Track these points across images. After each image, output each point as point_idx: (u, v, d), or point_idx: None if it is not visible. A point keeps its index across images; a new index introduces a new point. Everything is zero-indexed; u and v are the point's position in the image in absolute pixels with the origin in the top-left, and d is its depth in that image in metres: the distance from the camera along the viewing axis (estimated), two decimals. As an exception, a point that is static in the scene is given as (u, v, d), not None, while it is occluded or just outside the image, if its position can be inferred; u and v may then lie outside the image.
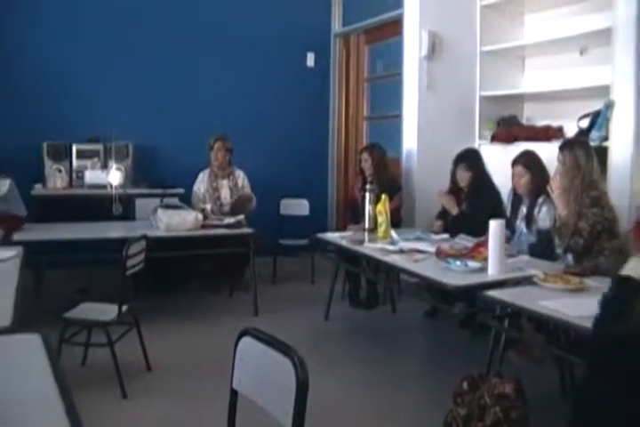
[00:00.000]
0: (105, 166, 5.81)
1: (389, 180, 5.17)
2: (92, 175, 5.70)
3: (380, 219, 4.27)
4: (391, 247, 3.95)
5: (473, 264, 3.37)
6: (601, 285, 2.94)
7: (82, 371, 3.63)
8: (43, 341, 1.88)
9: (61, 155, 5.79)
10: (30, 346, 1.85)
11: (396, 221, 4.77)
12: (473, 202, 4.55)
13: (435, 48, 5.41)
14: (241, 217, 4.97)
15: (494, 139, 5.25)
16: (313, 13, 7.00)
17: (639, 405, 2.02)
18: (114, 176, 5.48)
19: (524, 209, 4.10)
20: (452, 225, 4.59)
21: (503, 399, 2.59)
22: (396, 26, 5.89)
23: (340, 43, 7.13)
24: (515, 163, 4.09)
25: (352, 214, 5.48)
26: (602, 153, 4.04)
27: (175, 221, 4.60)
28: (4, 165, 4.54)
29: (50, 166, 5.73)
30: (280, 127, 6.77)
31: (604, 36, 4.28)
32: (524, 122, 5.38)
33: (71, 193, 5.70)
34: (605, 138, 4.27)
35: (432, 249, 3.79)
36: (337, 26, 7.11)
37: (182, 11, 6.36)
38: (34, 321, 2.47)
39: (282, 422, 1.54)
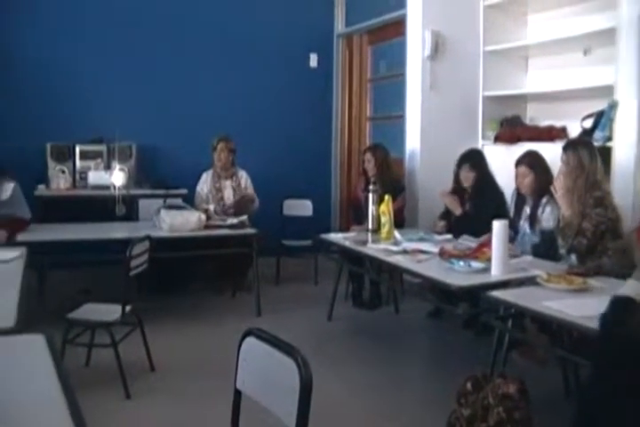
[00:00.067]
0: (108, 167, 5.82)
1: (392, 180, 5.17)
2: (96, 176, 5.70)
3: (383, 219, 4.27)
4: (394, 248, 3.95)
5: (476, 265, 3.36)
6: (604, 285, 2.95)
7: (85, 371, 3.63)
8: (47, 341, 1.88)
9: (65, 156, 5.80)
10: (34, 347, 1.85)
11: (400, 222, 4.76)
12: (476, 202, 4.55)
13: (438, 48, 5.40)
14: (244, 218, 4.97)
15: (497, 139, 5.24)
16: (315, 14, 7.00)
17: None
18: (117, 177, 5.48)
19: (527, 209, 4.10)
20: (455, 225, 4.58)
21: (507, 400, 2.59)
22: (398, 26, 5.89)
23: (342, 43, 7.13)
24: (518, 163, 4.09)
25: (355, 215, 5.48)
26: (605, 153, 4.03)
27: (178, 222, 4.60)
28: (8, 167, 4.54)
29: (53, 167, 5.74)
30: (283, 128, 6.77)
31: (608, 36, 4.28)
32: (528, 122, 5.37)
33: (74, 194, 5.71)
34: (609, 138, 4.26)
35: (435, 250, 3.79)
36: (340, 26, 7.11)
37: (185, 11, 6.37)
38: (37, 322, 2.47)
39: (286, 423, 1.53)
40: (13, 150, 5.39)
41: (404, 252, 3.83)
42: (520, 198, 4.19)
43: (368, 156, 5.26)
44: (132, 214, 5.37)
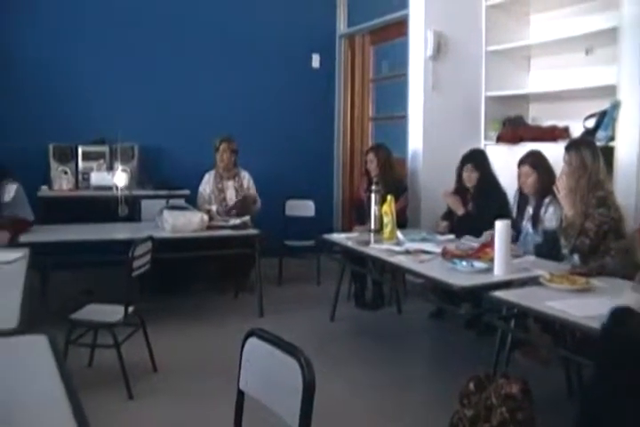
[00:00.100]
0: (110, 168, 5.83)
1: (395, 180, 5.17)
2: (98, 177, 5.71)
3: (385, 220, 4.27)
4: (397, 248, 3.94)
5: (479, 265, 3.36)
6: (607, 285, 2.95)
7: (88, 372, 3.64)
8: (49, 342, 1.88)
9: (67, 157, 5.81)
10: (37, 347, 1.86)
11: (402, 222, 4.76)
12: (479, 202, 4.55)
13: (440, 48, 5.40)
14: (246, 218, 4.98)
15: (500, 139, 5.24)
16: (317, 14, 7.00)
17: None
18: (119, 178, 5.48)
19: (530, 209, 4.09)
20: (457, 226, 4.58)
21: (510, 400, 2.58)
22: (401, 26, 5.89)
23: (345, 44, 7.13)
24: (521, 163, 4.08)
25: (358, 215, 5.47)
26: (608, 153, 4.03)
27: (181, 223, 4.60)
28: (11, 168, 4.55)
29: (56, 168, 5.75)
30: (285, 128, 6.77)
31: (610, 35, 4.27)
32: (530, 122, 5.36)
33: (77, 195, 5.72)
34: (612, 138, 4.25)
35: (438, 250, 3.79)
36: (342, 27, 7.11)
37: (186, 12, 6.37)
38: (40, 322, 2.48)
39: (289, 423, 1.53)
40: (16, 151, 5.39)
41: (407, 252, 3.83)
42: (522, 198, 4.18)
43: (370, 156, 5.26)
44: (134, 215, 5.37)
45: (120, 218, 5.18)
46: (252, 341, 1.73)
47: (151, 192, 5.72)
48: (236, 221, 4.91)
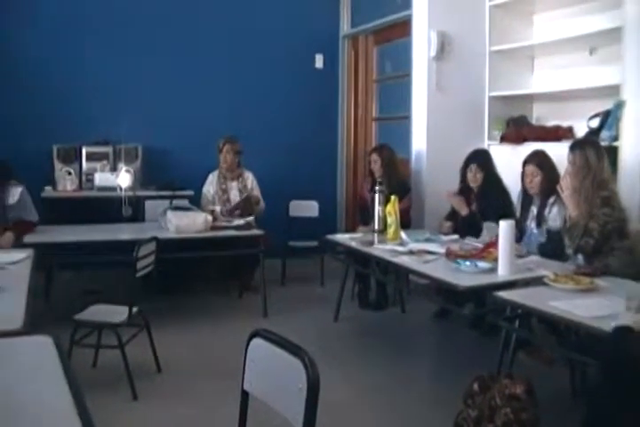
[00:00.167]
0: (114, 169, 5.84)
1: (399, 181, 5.17)
2: (102, 177, 5.72)
3: (389, 220, 4.27)
4: (401, 248, 3.94)
5: (483, 265, 3.36)
6: (611, 285, 2.94)
7: (92, 373, 3.64)
8: (54, 342, 1.88)
9: (71, 157, 5.83)
10: (42, 348, 1.86)
11: (406, 223, 4.76)
12: (483, 202, 4.54)
13: (443, 48, 5.39)
14: (250, 219, 4.98)
15: (504, 139, 5.23)
16: (321, 15, 7.00)
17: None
18: (123, 178, 5.49)
19: (534, 209, 4.08)
20: (461, 226, 4.57)
21: (514, 400, 2.58)
22: (404, 27, 5.88)
23: (348, 44, 7.13)
24: (527, 162, 4.07)
25: (361, 216, 5.47)
26: (612, 153, 4.02)
27: (184, 223, 4.60)
28: (15, 169, 4.55)
29: (60, 169, 5.76)
30: (289, 129, 6.77)
31: (614, 35, 4.26)
32: (534, 122, 5.36)
33: (81, 195, 5.73)
34: (616, 138, 4.24)
35: (442, 250, 3.79)
36: (345, 27, 7.11)
37: (190, 13, 6.37)
38: (44, 323, 2.49)
39: (293, 423, 1.53)
40: (20, 152, 5.40)
41: (411, 252, 3.83)
42: (527, 198, 4.17)
43: (374, 156, 5.26)
44: (138, 216, 5.38)
45: (124, 219, 5.20)
46: (257, 341, 1.73)
47: (155, 193, 5.73)
48: (240, 221, 4.92)
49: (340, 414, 3.12)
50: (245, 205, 5.36)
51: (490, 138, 5.38)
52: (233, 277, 5.50)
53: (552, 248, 3.79)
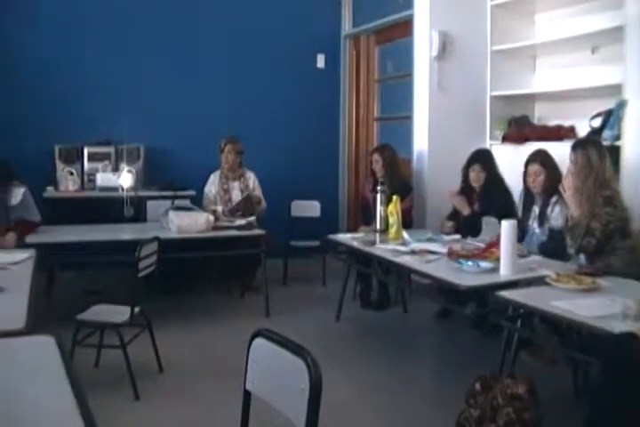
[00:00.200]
0: (116, 169, 5.84)
1: (400, 181, 5.17)
2: (104, 178, 5.72)
3: (391, 220, 4.26)
4: (402, 248, 3.94)
5: (485, 265, 3.36)
6: (614, 285, 2.94)
7: (94, 372, 3.64)
8: (56, 342, 1.88)
9: (73, 158, 5.83)
10: (44, 348, 1.86)
11: (408, 222, 4.75)
12: (485, 202, 4.54)
13: (445, 48, 5.39)
14: (252, 219, 4.98)
15: (505, 139, 5.23)
16: (322, 15, 7.00)
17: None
18: (125, 178, 5.49)
19: (536, 209, 4.08)
20: (463, 226, 4.57)
21: (516, 400, 2.58)
22: (406, 26, 5.88)
23: (350, 44, 7.13)
24: (531, 161, 4.05)
25: (363, 216, 5.47)
26: (614, 152, 4.02)
27: (186, 223, 4.61)
28: (17, 169, 4.55)
29: (61, 169, 5.77)
30: (291, 129, 6.77)
31: (616, 34, 4.25)
32: (536, 122, 5.35)
33: (83, 195, 5.74)
34: (618, 137, 4.24)
35: (443, 250, 3.78)
36: (347, 27, 7.11)
37: (191, 13, 6.37)
38: (46, 323, 2.49)
39: (295, 423, 1.53)
40: (22, 152, 5.41)
41: (413, 252, 3.82)
42: (529, 198, 4.16)
43: (376, 156, 5.26)
44: (140, 216, 5.38)
45: (126, 219, 5.20)
46: (259, 341, 1.73)
47: (157, 193, 5.73)
48: (242, 221, 4.92)
49: (341, 414, 3.12)
50: (246, 205, 5.36)
51: (491, 138, 5.37)
52: (235, 277, 5.50)
53: (553, 247, 3.78)
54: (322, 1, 7.00)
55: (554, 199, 3.94)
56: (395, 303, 5.14)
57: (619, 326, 2.30)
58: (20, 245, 4.05)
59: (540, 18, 5.37)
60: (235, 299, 5.34)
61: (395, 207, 4.26)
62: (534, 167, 4.02)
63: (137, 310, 3.47)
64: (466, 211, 4.61)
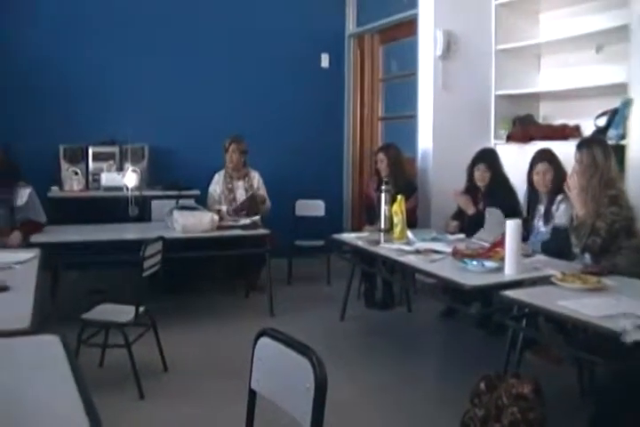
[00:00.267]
0: (121, 168, 5.85)
1: (405, 180, 5.16)
2: (108, 177, 5.73)
3: (395, 219, 4.26)
4: (407, 248, 3.94)
5: (489, 264, 3.35)
6: (620, 284, 2.93)
7: (99, 372, 3.65)
8: (62, 342, 1.89)
9: (77, 157, 5.84)
10: (50, 347, 1.86)
11: (412, 222, 4.75)
12: (490, 202, 4.53)
13: (449, 47, 5.38)
14: (256, 218, 4.98)
15: (510, 138, 5.22)
16: (327, 14, 7.00)
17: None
18: (130, 178, 5.50)
19: (541, 208, 4.07)
20: (468, 225, 4.57)
21: (521, 400, 2.58)
22: (410, 26, 5.87)
23: (354, 43, 7.13)
24: (539, 160, 4.03)
25: (368, 215, 5.47)
26: (620, 151, 4.01)
27: (191, 223, 4.61)
28: (22, 169, 4.56)
29: (66, 169, 5.78)
30: (295, 128, 6.77)
31: (620, 33, 4.25)
32: (541, 121, 5.34)
33: (87, 195, 5.75)
34: (623, 136, 4.23)
35: (448, 249, 3.78)
36: (351, 26, 7.10)
37: (196, 12, 6.38)
38: (51, 322, 2.49)
39: (300, 423, 1.53)
40: (27, 152, 5.39)
41: (417, 252, 3.82)
42: (534, 197, 4.15)
43: (380, 155, 5.25)
44: (144, 215, 5.39)
45: (130, 218, 5.21)
46: (264, 340, 1.73)
47: (161, 192, 5.74)
48: (246, 220, 4.92)
49: (346, 414, 3.12)
50: (251, 204, 5.37)
51: (496, 137, 5.37)
52: (239, 276, 5.50)
53: (556, 245, 3.77)
54: (326, 0, 7.00)
55: (559, 198, 3.93)
56: (399, 303, 5.13)
57: (631, 336, 2.26)
58: (25, 244, 4.06)
59: (545, 17, 5.36)
60: (239, 298, 5.34)
61: (399, 207, 4.26)
62: (542, 166, 4.00)
63: (141, 309, 3.48)
64: (470, 210, 4.61)
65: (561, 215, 3.89)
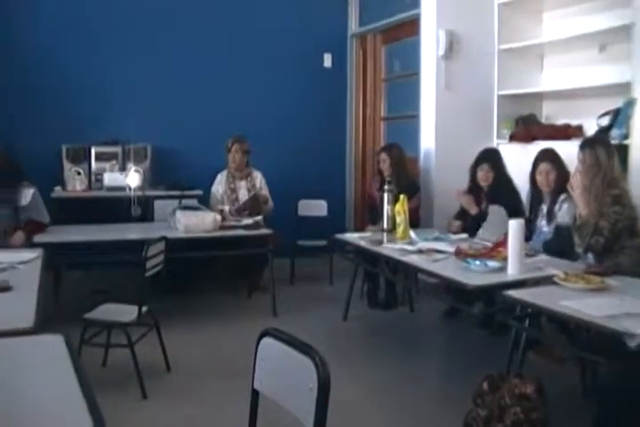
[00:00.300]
0: (123, 168, 5.86)
1: (408, 180, 5.16)
2: (111, 177, 5.74)
3: (398, 219, 4.26)
4: (410, 247, 3.93)
5: (492, 264, 3.35)
6: (623, 284, 2.92)
7: (102, 372, 3.65)
8: (65, 341, 1.89)
9: (80, 157, 5.85)
10: (53, 347, 1.87)
11: (415, 222, 4.75)
12: (493, 202, 4.53)
13: (452, 47, 5.38)
14: (259, 218, 4.98)
15: (513, 138, 5.21)
16: (329, 14, 7.00)
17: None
18: (132, 178, 5.51)
19: (544, 207, 4.07)
20: (470, 225, 4.56)
21: (524, 400, 2.58)
22: (412, 25, 5.87)
23: (356, 43, 7.13)
24: (542, 160, 4.03)
25: (370, 215, 5.47)
26: (623, 151, 4.00)
27: (193, 223, 4.61)
28: (25, 169, 4.56)
29: (69, 169, 5.78)
30: (298, 128, 6.77)
31: (624, 32, 4.24)
32: (543, 121, 5.34)
33: (90, 195, 5.75)
34: (626, 136, 4.22)
35: (451, 249, 3.77)
36: (353, 26, 7.10)
37: (199, 12, 6.38)
38: (54, 322, 2.49)
39: (303, 423, 1.53)
40: (29, 153, 5.41)
41: (420, 251, 3.82)
42: (536, 197, 4.15)
43: (383, 155, 5.25)
44: (147, 215, 5.40)
45: (133, 218, 5.22)
46: (267, 340, 1.73)
47: (164, 192, 5.74)
48: (249, 220, 4.92)
49: (349, 414, 3.12)
50: (253, 204, 5.37)
51: (499, 137, 5.36)
52: (242, 276, 5.50)
53: (558, 245, 3.76)
54: (328, 0, 7.00)
55: (562, 197, 3.92)
56: (402, 303, 5.13)
57: (636, 340, 2.25)
58: (28, 244, 4.07)
59: (548, 16, 5.36)
60: (242, 298, 5.34)
61: (402, 206, 4.25)
62: (545, 166, 4.00)
63: (144, 309, 3.48)
64: (473, 210, 4.60)
65: (564, 215, 3.89)
